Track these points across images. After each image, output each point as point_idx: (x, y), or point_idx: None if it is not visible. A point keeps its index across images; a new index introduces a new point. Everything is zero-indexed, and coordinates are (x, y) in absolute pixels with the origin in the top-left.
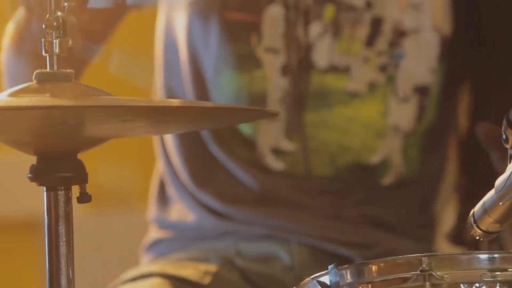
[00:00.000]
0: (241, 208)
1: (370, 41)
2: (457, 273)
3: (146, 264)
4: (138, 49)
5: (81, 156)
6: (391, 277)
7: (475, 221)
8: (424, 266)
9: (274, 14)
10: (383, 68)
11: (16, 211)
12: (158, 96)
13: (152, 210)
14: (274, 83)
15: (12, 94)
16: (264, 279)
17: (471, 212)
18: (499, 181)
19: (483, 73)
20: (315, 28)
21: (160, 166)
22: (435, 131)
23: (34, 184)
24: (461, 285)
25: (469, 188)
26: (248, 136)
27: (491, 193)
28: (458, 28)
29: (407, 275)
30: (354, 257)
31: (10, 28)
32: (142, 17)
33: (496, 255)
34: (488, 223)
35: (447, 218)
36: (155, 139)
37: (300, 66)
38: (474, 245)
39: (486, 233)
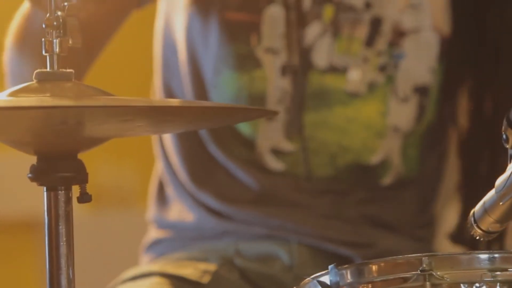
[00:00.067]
0: (241, 208)
1: (370, 41)
2: (457, 273)
3: (146, 264)
4: (137, 48)
5: (81, 156)
6: (391, 277)
7: (475, 221)
8: (424, 266)
9: (273, 14)
10: (382, 68)
11: (16, 211)
12: (157, 96)
13: (151, 210)
14: (274, 83)
15: (12, 94)
16: (264, 279)
17: (472, 212)
18: (499, 181)
19: (483, 73)
20: (315, 29)
21: (159, 166)
22: (434, 131)
23: (34, 184)
24: (462, 285)
25: (470, 188)
26: (247, 136)
27: (491, 193)
28: (457, 28)
29: (408, 275)
30: (354, 257)
31: (14, 25)
32: (141, 16)
33: (496, 255)
34: (489, 223)
35: (448, 218)
36: (155, 139)
37: (299, 66)
38: (476, 245)
39: (487, 233)
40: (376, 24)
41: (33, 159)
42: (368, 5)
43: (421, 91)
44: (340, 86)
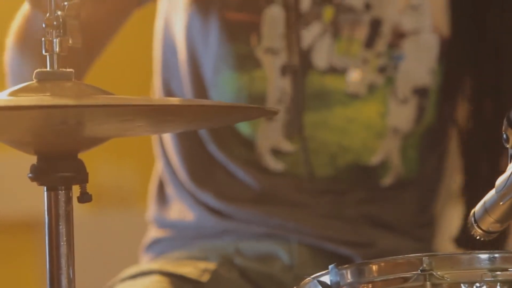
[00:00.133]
0: (241, 207)
1: (369, 43)
2: (457, 273)
3: (146, 262)
4: (137, 48)
5: (81, 155)
6: (391, 276)
7: (475, 221)
8: (424, 265)
9: (273, 15)
10: (382, 70)
11: (17, 211)
12: (156, 96)
13: (151, 209)
14: (274, 83)
15: (12, 94)
16: (264, 278)
17: (472, 212)
18: (499, 180)
19: (482, 74)
20: (315, 29)
21: (159, 166)
22: (434, 131)
23: (34, 184)
24: (462, 285)
25: (473, 189)
26: (247, 136)
27: (491, 192)
28: (457, 29)
29: (408, 275)
30: (354, 256)
31: (14, 26)
32: (141, 16)
33: (496, 255)
34: (489, 223)
35: (451, 221)
36: (155, 139)
37: (299, 67)
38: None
39: (487, 233)
40: (376, 25)
41: (33, 159)
42: (368, 6)
43: (421, 92)
44: (339, 87)
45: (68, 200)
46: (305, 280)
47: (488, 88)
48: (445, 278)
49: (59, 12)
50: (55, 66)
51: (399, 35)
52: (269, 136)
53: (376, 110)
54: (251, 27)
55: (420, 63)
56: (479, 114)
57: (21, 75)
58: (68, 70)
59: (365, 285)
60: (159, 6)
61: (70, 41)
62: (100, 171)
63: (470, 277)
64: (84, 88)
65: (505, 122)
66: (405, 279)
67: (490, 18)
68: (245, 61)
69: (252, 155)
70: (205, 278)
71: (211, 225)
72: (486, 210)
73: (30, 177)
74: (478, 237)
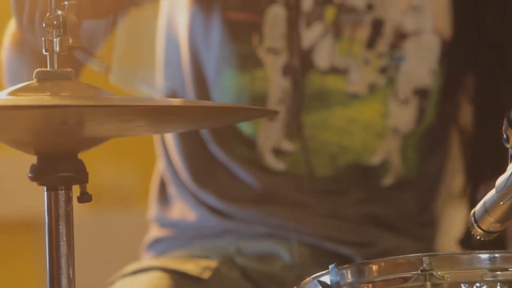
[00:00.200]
0: (242, 206)
1: (371, 43)
2: (458, 273)
3: (147, 260)
4: (139, 47)
5: (81, 155)
6: (391, 276)
7: (476, 221)
8: (424, 265)
9: (275, 15)
10: (383, 70)
11: (17, 211)
12: (159, 95)
13: (153, 209)
14: (275, 83)
15: (12, 93)
16: (265, 278)
17: (472, 211)
18: (499, 180)
19: (483, 75)
20: (316, 30)
21: (161, 165)
22: (435, 132)
23: (34, 183)
24: (462, 284)
25: (473, 188)
26: (248, 136)
27: (491, 192)
28: (458, 31)
29: (408, 275)
30: (354, 256)
31: (11, 28)
32: (144, 15)
33: (497, 255)
34: (489, 222)
35: (449, 219)
36: (156, 138)
37: (301, 67)
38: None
39: (487, 232)
40: (377, 26)
41: (33, 159)
42: (369, 7)
43: (422, 93)
44: (340, 87)
45: (68, 200)
46: (305, 280)
47: (489, 89)
48: (445, 278)
49: (59, 12)
50: (55, 66)
51: (400, 36)
52: (270, 136)
53: (377, 110)
54: (253, 27)
55: (421, 64)
56: (480, 115)
57: (18, 76)
58: (68, 69)
59: (365, 285)
60: (162, 6)
61: (71, 41)
62: (100, 171)
63: (470, 277)
64: (84, 88)
65: (505, 122)
66: (405, 279)
67: (490, 19)
68: (247, 61)
69: (253, 155)
70: (206, 275)
71: (212, 225)
72: (486, 210)
73: (30, 177)
74: (478, 237)
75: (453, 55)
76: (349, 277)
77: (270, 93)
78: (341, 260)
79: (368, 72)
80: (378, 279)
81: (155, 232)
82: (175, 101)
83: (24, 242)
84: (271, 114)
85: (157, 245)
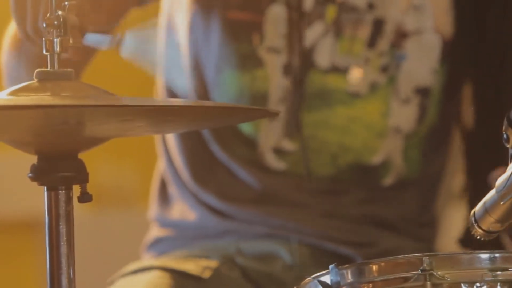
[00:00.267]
0: (242, 207)
1: (372, 42)
2: (458, 273)
3: (147, 259)
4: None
5: (81, 155)
6: (391, 276)
7: (476, 221)
8: (425, 265)
9: (276, 14)
10: (384, 69)
11: (17, 211)
12: (159, 95)
13: (153, 208)
14: (276, 82)
15: (13, 93)
16: (265, 278)
17: (472, 211)
18: (500, 180)
19: (485, 74)
20: (317, 29)
21: (161, 165)
22: (437, 132)
23: (34, 183)
24: (462, 284)
25: (474, 188)
26: (249, 136)
27: (492, 192)
28: (459, 30)
29: (408, 275)
30: (354, 256)
31: (10, 30)
32: (144, 15)
33: (497, 255)
34: (489, 222)
35: (450, 219)
36: (157, 138)
37: (301, 66)
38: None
39: (487, 232)
40: (378, 25)
41: (33, 159)
42: (370, 6)
43: (423, 92)
44: (341, 86)
45: (69, 200)
46: (305, 280)
47: (490, 88)
48: (446, 278)
49: (59, 12)
50: (56, 66)
51: (401, 35)
52: (270, 135)
53: (378, 109)
54: (253, 27)
55: (422, 63)
56: (481, 114)
57: (18, 77)
58: (68, 70)
59: (366, 285)
60: (162, 5)
61: (71, 41)
62: (101, 171)
63: (471, 277)
64: (85, 88)
65: (505, 122)
66: (406, 279)
67: (492, 18)
68: (247, 61)
69: (254, 154)
70: (206, 274)
71: (212, 225)
72: (486, 210)
73: (30, 177)
74: (478, 237)
75: (454, 54)
76: (349, 277)
77: (271, 93)
78: (341, 260)
79: (369, 71)
80: (378, 279)
81: (155, 232)
82: (175, 101)
83: (24, 242)
84: (272, 115)
85: (157, 245)
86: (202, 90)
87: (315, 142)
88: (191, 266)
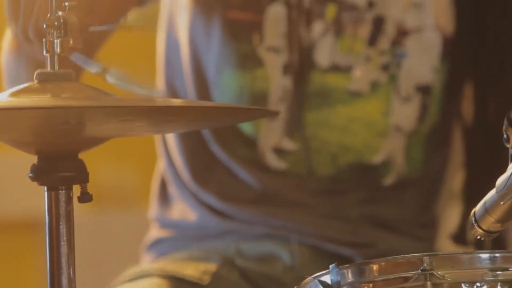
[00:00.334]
0: (242, 207)
1: (372, 41)
2: (458, 273)
3: (146, 264)
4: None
5: (82, 155)
6: (392, 276)
7: (476, 221)
8: (425, 265)
9: (276, 14)
10: (385, 67)
11: (17, 211)
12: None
13: (153, 209)
14: (276, 82)
15: (13, 94)
16: (265, 279)
17: (472, 211)
18: (500, 180)
19: (486, 72)
20: (317, 28)
21: (161, 165)
22: (437, 131)
23: (35, 183)
24: (462, 284)
25: (474, 188)
26: (249, 136)
27: (492, 192)
28: (460, 27)
29: (408, 275)
30: (355, 257)
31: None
32: (144, 15)
33: (497, 255)
34: (489, 222)
35: (450, 219)
36: (157, 138)
37: (302, 65)
38: (478, 245)
39: (487, 232)
40: (378, 23)
41: (33, 159)
42: (370, 4)
43: (424, 90)
44: (342, 85)
45: (69, 200)
46: (306, 280)
47: (492, 87)
48: (446, 278)
49: (60, 13)
50: (56, 67)
51: (402, 33)
52: (271, 135)
53: (379, 108)
54: (253, 26)
55: (423, 61)
56: (483, 113)
57: (17, 79)
58: (68, 71)
59: (366, 284)
60: (163, 5)
61: (71, 42)
62: (101, 171)
63: (471, 277)
64: (85, 89)
65: (505, 122)
66: (406, 279)
67: (492, 16)
68: (247, 60)
69: (254, 154)
70: (205, 280)
71: (212, 225)
72: (486, 210)
73: (30, 177)
74: (478, 237)
75: (454, 52)
76: (349, 277)
77: (271, 92)
78: (342, 261)
79: (370, 70)
80: (379, 278)
81: (155, 232)
82: (176, 101)
83: (25, 242)
84: (272, 115)
85: (158, 246)
86: (203, 90)
87: (316, 141)
88: (190, 271)
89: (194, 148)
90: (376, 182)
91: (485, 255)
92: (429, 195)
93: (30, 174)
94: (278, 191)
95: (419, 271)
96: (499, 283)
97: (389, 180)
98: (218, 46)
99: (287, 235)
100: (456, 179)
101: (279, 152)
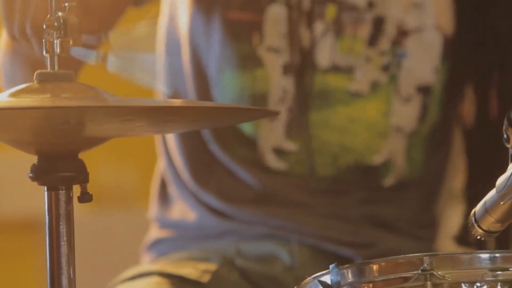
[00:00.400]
0: (242, 207)
1: (373, 41)
2: (458, 273)
3: (146, 264)
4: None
5: (82, 155)
6: (392, 276)
7: (476, 221)
8: (425, 265)
9: (276, 14)
10: (385, 68)
11: (17, 211)
12: (160, 95)
13: (153, 209)
14: (276, 82)
15: (13, 94)
16: (264, 279)
17: (472, 211)
18: (500, 180)
19: (486, 73)
20: (317, 28)
21: (161, 165)
22: (438, 131)
23: (35, 183)
24: (462, 284)
25: (475, 188)
26: (249, 136)
27: (492, 192)
28: (460, 27)
29: (408, 275)
30: (354, 257)
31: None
32: (144, 15)
33: (497, 255)
34: (489, 222)
35: (452, 219)
36: (157, 138)
37: (302, 65)
38: (482, 246)
39: (488, 232)
40: (379, 24)
41: (34, 159)
42: (370, 5)
43: (424, 90)
44: (342, 86)
45: (69, 200)
46: (305, 280)
47: (492, 87)
48: (446, 278)
49: (59, 13)
50: (56, 67)
51: (402, 33)
52: (271, 136)
53: (379, 109)
54: (253, 26)
55: (423, 61)
56: (483, 113)
57: (13, 77)
58: (68, 71)
59: (366, 284)
60: (163, 5)
61: (71, 42)
62: (101, 171)
63: (471, 277)
64: (85, 89)
65: (505, 122)
66: (406, 279)
67: (493, 16)
68: (247, 61)
69: (254, 155)
70: (205, 279)
71: (212, 226)
72: (486, 210)
73: (30, 177)
74: (478, 237)
75: (455, 52)
76: (349, 277)
77: (271, 93)
78: (342, 261)
79: (370, 70)
80: (379, 279)
81: (155, 233)
82: (176, 101)
83: (25, 242)
84: (272, 115)
85: (158, 246)
86: (203, 90)
87: (316, 142)
88: (190, 270)
89: (194, 148)
90: (376, 183)
91: (485, 255)
92: (429, 195)
93: (30, 174)
94: (278, 191)
95: (419, 271)
96: (499, 283)
97: (389, 180)
98: (218, 46)
99: (287, 235)
100: (456, 179)
101: (279, 152)
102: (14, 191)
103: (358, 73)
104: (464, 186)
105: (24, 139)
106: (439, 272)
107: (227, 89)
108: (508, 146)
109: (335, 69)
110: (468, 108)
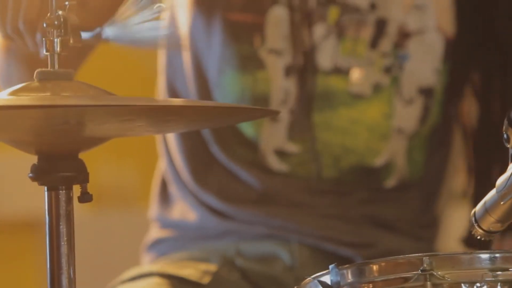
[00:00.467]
0: (243, 207)
1: (374, 43)
2: (458, 273)
3: (146, 264)
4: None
5: (82, 155)
6: (392, 276)
7: (476, 221)
8: (425, 265)
9: (278, 16)
10: (387, 70)
11: (17, 211)
12: (161, 96)
13: (154, 209)
14: (278, 84)
15: (13, 93)
16: (265, 279)
17: (472, 211)
18: (500, 180)
19: (488, 74)
20: (319, 30)
21: (162, 165)
22: (439, 132)
23: (35, 183)
24: (462, 284)
25: (476, 188)
26: (250, 138)
27: (492, 192)
28: (462, 29)
29: (408, 275)
30: (355, 257)
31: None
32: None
33: (497, 255)
34: (490, 222)
35: (451, 219)
36: (157, 138)
37: (303, 67)
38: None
39: (488, 232)
40: (380, 26)
41: (34, 159)
42: (372, 6)
43: (426, 92)
44: (344, 88)
45: (69, 200)
46: (305, 280)
47: (494, 88)
48: (446, 278)
49: (60, 12)
50: (56, 66)
51: (404, 35)
52: (272, 137)
53: (381, 111)
54: (255, 28)
55: (425, 63)
56: (485, 114)
57: (8, 76)
58: (68, 70)
59: (366, 285)
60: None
61: (71, 41)
62: (101, 171)
63: (471, 277)
64: (85, 88)
65: (505, 122)
66: (406, 279)
67: (494, 17)
68: (249, 62)
69: (254, 156)
70: (205, 280)
71: (213, 226)
72: (486, 210)
73: (30, 177)
74: (478, 237)
75: (457, 54)
76: (349, 277)
77: (272, 94)
78: (342, 261)
79: (372, 72)
80: (379, 279)
81: (155, 233)
82: (176, 101)
83: (25, 242)
84: (272, 114)
85: (158, 246)
86: (204, 92)
87: (318, 144)
88: (190, 271)
89: (194, 148)
90: (378, 184)
91: (485, 255)
92: (429, 196)
93: (30, 174)
94: (278, 192)
95: (419, 272)
96: (499, 283)
97: (391, 182)
98: (219, 47)
99: (287, 235)
100: (457, 179)
101: (281, 154)
102: (14, 191)
103: (360, 75)
104: (464, 186)
105: (24, 139)
106: (439, 272)
107: (228, 90)
108: (508, 146)
109: (337, 71)
110: (468, 108)
